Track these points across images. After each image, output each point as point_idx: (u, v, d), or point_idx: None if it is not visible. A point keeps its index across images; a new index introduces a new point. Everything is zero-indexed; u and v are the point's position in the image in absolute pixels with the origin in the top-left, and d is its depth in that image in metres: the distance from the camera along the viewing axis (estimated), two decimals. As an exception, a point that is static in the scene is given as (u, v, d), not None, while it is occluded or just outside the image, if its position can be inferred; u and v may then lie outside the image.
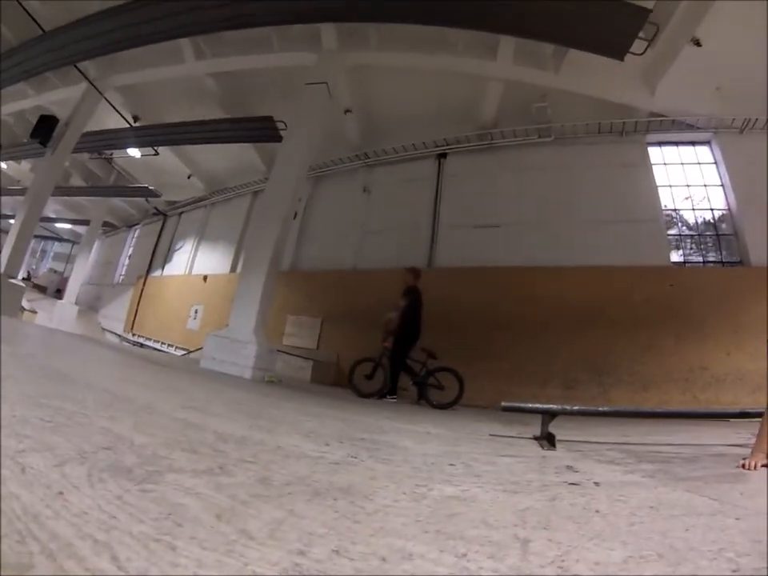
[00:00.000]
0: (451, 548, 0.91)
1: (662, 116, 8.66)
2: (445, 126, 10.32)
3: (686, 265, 8.32)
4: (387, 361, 6.71)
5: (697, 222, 8.59)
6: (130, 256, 20.99)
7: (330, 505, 1.11)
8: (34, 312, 17.22)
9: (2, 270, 9.30)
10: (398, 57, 8.79)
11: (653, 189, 8.73)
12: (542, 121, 9.35)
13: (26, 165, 17.13)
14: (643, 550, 0.97)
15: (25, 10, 8.60)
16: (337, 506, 1.11)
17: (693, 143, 9.01)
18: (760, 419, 2.43)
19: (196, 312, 13.76)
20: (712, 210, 8.53)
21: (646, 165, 8.94)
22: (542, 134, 9.53)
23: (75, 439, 1.28)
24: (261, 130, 10.39)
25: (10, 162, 16.50)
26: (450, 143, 10.43)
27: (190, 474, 1.17)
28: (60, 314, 17.56)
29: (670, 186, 8.89)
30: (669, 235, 8.52)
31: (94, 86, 10.54)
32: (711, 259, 8.26)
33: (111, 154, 15.38)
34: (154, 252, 18.01)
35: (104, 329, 18.49)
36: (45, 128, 10.34)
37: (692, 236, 8.55)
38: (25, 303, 14.38)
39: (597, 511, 1.31)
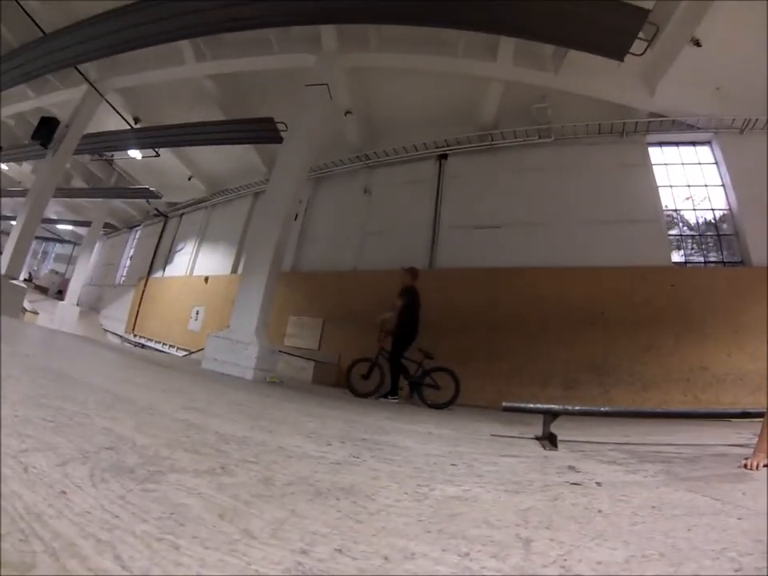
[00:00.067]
0: (453, 548, 0.91)
1: (662, 116, 8.65)
2: (445, 127, 10.32)
3: (687, 265, 8.31)
4: (384, 361, 6.74)
5: (698, 222, 8.58)
6: (131, 257, 21.02)
7: (332, 505, 1.11)
8: (36, 313, 17.26)
9: (4, 272, 9.32)
10: (398, 58, 8.79)
11: (653, 189, 8.72)
12: (542, 121, 9.35)
13: (27, 166, 17.13)
14: (645, 550, 0.97)
15: (25, 11, 8.62)
16: (339, 505, 1.11)
17: (693, 143, 9.00)
18: (761, 419, 2.43)
19: (197, 313, 13.77)
20: (713, 210, 8.52)
21: (646, 165, 8.93)
22: (543, 135, 9.53)
23: (77, 439, 1.28)
24: (261, 132, 10.39)
25: (11, 163, 16.52)
26: (451, 144, 10.43)
27: (192, 474, 1.17)
28: (61, 315, 17.58)
29: (671, 186, 8.88)
30: (670, 235, 8.51)
31: (95, 88, 10.56)
32: (712, 259, 8.24)
33: (112, 156, 15.38)
34: (155, 253, 18.04)
35: (105, 330, 18.51)
36: (46, 130, 10.36)
37: (693, 236, 8.54)
38: (26, 304, 14.42)
39: (599, 511, 1.31)
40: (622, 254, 8.08)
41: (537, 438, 3.01)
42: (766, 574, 0.89)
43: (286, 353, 8.84)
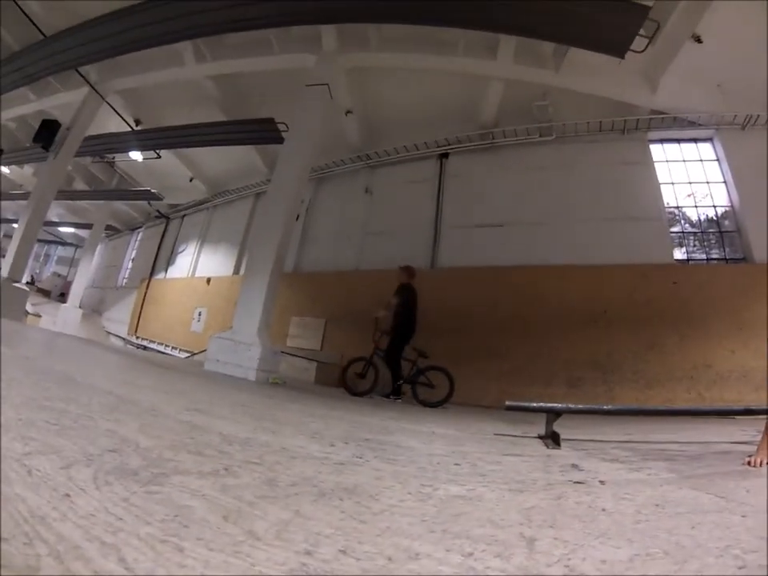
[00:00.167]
0: (457, 547, 0.91)
1: (664, 113, 8.64)
2: (446, 126, 10.32)
3: (690, 262, 8.29)
4: (379, 359, 6.77)
5: (700, 219, 8.57)
6: (133, 259, 21.03)
7: (336, 505, 1.11)
8: (38, 316, 17.30)
9: (6, 275, 9.34)
10: (398, 57, 8.79)
11: (655, 186, 8.71)
12: (543, 120, 9.34)
13: (28, 169, 17.16)
14: (649, 548, 0.97)
15: (25, 14, 8.64)
16: (343, 506, 1.11)
17: (695, 140, 8.98)
18: (765, 416, 2.43)
19: (200, 314, 13.78)
20: (715, 206, 8.51)
21: (647, 162, 8.91)
22: (544, 133, 9.52)
23: (81, 442, 1.28)
24: (262, 132, 10.40)
25: (13, 166, 16.55)
26: (452, 143, 10.42)
27: (195, 476, 1.17)
28: (64, 318, 17.59)
29: (673, 183, 8.86)
30: (672, 233, 8.49)
31: (96, 90, 10.58)
32: (714, 256, 8.23)
33: (113, 158, 15.41)
34: (157, 255, 18.04)
35: (108, 332, 18.53)
36: (47, 132, 10.38)
37: (695, 233, 8.53)
38: (29, 307, 14.45)
39: (602, 509, 1.31)
40: (624, 251, 8.06)
41: (540, 437, 3.01)
42: (770, 571, 0.89)
43: (288, 353, 8.84)
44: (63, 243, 30.00)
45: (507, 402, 3.31)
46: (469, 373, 7.68)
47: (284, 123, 9.41)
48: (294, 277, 11.40)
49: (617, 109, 8.81)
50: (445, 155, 10.63)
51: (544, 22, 6.56)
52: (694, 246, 8.45)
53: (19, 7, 8.49)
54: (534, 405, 3.26)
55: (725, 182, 8.47)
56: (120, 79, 10.82)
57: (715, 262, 8.16)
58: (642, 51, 6.55)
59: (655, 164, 8.93)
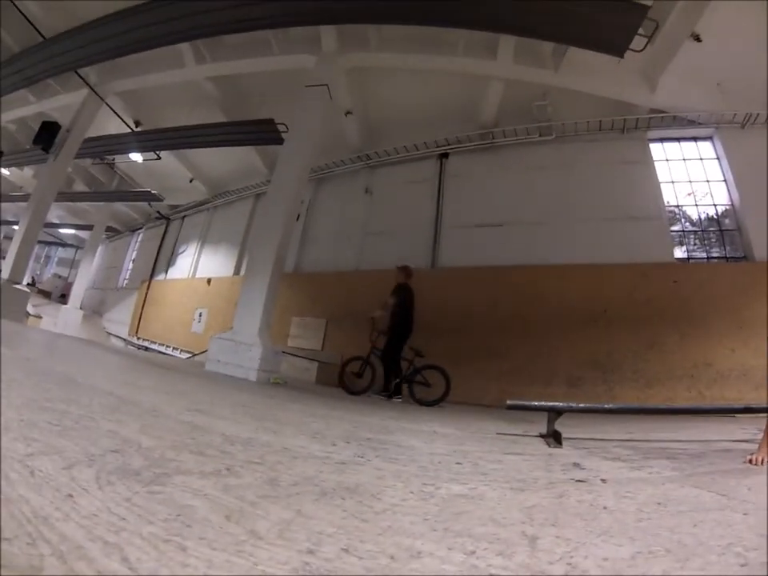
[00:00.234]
0: (459, 546, 0.91)
1: (663, 112, 8.64)
2: (446, 126, 10.33)
3: (690, 261, 8.29)
4: (375, 359, 6.81)
5: (700, 218, 8.57)
6: (133, 260, 21.04)
7: (337, 504, 1.11)
8: (39, 317, 17.31)
9: (7, 276, 9.35)
10: (398, 58, 8.79)
11: (655, 185, 8.71)
12: (543, 119, 9.35)
13: (28, 171, 17.18)
14: (651, 546, 0.97)
15: (25, 17, 8.65)
16: (345, 505, 1.11)
17: (695, 139, 8.99)
18: (765, 414, 2.43)
19: (200, 315, 13.78)
20: (715, 205, 8.51)
21: (647, 161, 8.92)
22: (543, 133, 9.52)
23: (83, 442, 1.28)
24: (262, 133, 10.40)
25: (13, 168, 16.56)
26: (452, 143, 10.43)
27: (197, 476, 1.17)
28: (65, 319, 17.61)
29: (673, 182, 8.86)
30: (672, 231, 8.49)
31: (95, 92, 10.59)
32: (715, 255, 8.23)
33: (113, 159, 15.41)
34: (157, 256, 18.06)
35: (108, 333, 18.54)
36: (47, 134, 10.39)
37: (695, 232, 8.53)
38: (30, 308, 14.45)
39: (604, 508, 1.31)
40: (624, 250, 8.07)
41: (541, 436, 3.01)
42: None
43: (289, 354, 8.85)
44: (64, 245, 30.05)
45: (509, 401, 3.31)
46: (469, 372, 7.70)
47: (284, 124, 9.41)
48: (295, 277, 11.41)
49: (616, 108, 8.82)
50: (445, 155, 10.63)
51: (543, 22, 6.56)
52: (695, 244, 8.45)
53: (18, 9, 8.49)
54: (536, 404, 3.27)
55: (725, 180, 8.48)
56: (119, 81, 10.83)
57: (716, 260, 8.16)
58: (641, 50, 6.55)
59: (655, 163, 8.94)
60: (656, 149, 9.09)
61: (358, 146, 11.49)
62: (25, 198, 14.96)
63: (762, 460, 2.16)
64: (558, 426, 2.93)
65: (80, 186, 17.83)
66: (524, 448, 2.62)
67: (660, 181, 8.78)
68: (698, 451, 2.74)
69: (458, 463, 1.94)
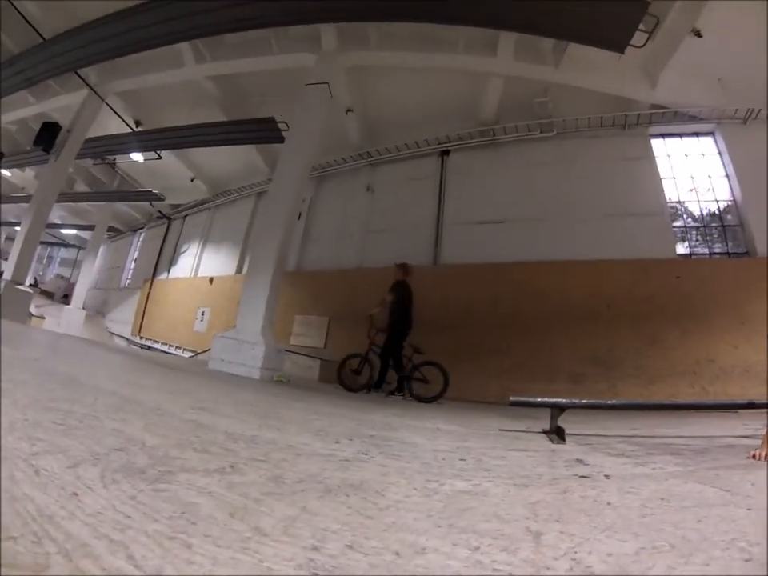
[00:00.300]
0: (464, 542, 0.91)
1: (664, 108, 8.63)
2: (447, 123, 10.33)
3: (692, 257, 8.28)
4: (374, 356, 6.86)
5: (702, 214, 8.55)
6: (135, 260, 21.09)
7: (342, 501, 1.11)
8: (42, 318, 17.36)
9: (10, 277, 9.37)
10: (398, 55, 8.79)
11: (656, 181, 8.70)
12: (544, 116, 9.34)
13: (29, 172, 17.23)
14: (655, 542, 0.97)
15: (24, 18, 8.65)
16: (349, 502, 1.11)
17: (696, 134, 8.97)
18: (769, 410, 2.43)
19: (203, 314, 13.81)
20: (717, 201, 8.50)
21: (649, 157, 8.91)
22: (544, 129, 9.51)
23: (87, 441, 1.29)
24: (263, 132, 10.41)
25: (14, 169, 16.59)
26: (453, 140, 10.44)
27: (202, 474, 1.17)
28: (68, 319, 17.67)
29: (674, 177, 8.85)
30: (674, 227, 8.48)
31: (96, 92, 10.60)
32: (717, 250, 8.21)
33: (114, 159, 15.44)
34: (159, 255, 18.10)
35: (111, 333, 18.58)
36: (48, 135, 10.41)
37: (697, 228, 8.51)
38: (33, 309, 14.47)
39: (608, 503, 1.31)
40: (626, 246, 8.06)
41: (545, 432, 3.01)
42: (776, 563, 0.89)
43: (292, 352, 8.86)
44: (66, 245, 30.10)
45: (512, 398, 3.30)
46: (470, 369, 7.70)
47: (284, 122, 9.42)
48: (297, 275, 11.43)
49: (617, 104, 8.82)
50: (446, 152, 10.64)
51: (544, 18, 6.54)
52: (697, 240, 8.44)
53: (18, 11, 8.50)
54: (539, 400, 3.26)
55: (727, 175, 8.46)
56: (119, 81, 10.85)
57: (718, 256, 8.14)
58: (642, 46, 6.53)
59: (656, 159, 8.92)
60: (657, 144, 9.08)
61: (359, 144, 11.51)
62: (26, 199, 15.00)
63: (766, 455, 2.15)
64: (561, 423, 2.93)
65: (81, 187, 17.87)
66: (527, 444, 2.62)
67: (661, 177, 8.77)
68: (701, 447, 2.74)
69: (461, 460, 1.94)
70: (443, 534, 0.95)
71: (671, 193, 8.72)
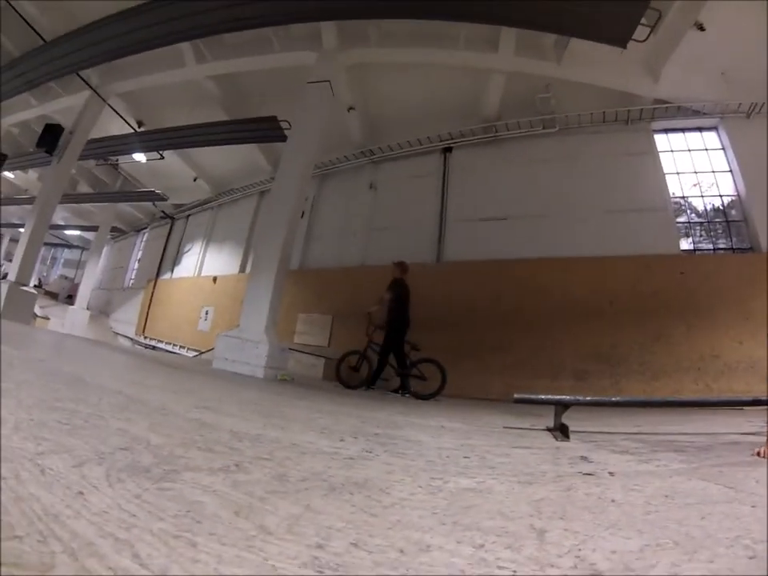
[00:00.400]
0: (468, 539, 0.91)
1: (667, 103, 8.58)
2: (449, 120, 10.31)
3: (696, 252, 8.24)
4: (372, 353, 6.94)
5: (706, 209, 8.51)
6: (139, 260, 21.15)
7: (346, 499, 1.12)
8: (47, 318, 17.45)
9: (14, 278, 9.41)
10: (399, 52, 8.76)
11: (660, 176, 8.65)
12: (546, 112, 9.30)
13: (33, 174, 17.27)
14: (659, 539, 0.97)
15: (25, 20, 8.67)
16: (353, 500, 1.12)
17: (699, 129, 8.91)
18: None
19: (206, 313, 13.84)
20: (721, 196, 8.45)
21: (652, 152, 8.85)
22: (547, 125, 9.48)
23: (92, 441, 1.29)
24: (265, 131, 10.41)
25: (18, 171, 16.64)
26: (455, 137, 10.41)
27: (206, 472, 1.18)
28: (72, 320, 17.74)
29: (678, 173, 8.80)
30: (678, 223, 8.44)
31: (97, 93, 10.62)
32: (721, 246, 8.17)
33: (117, 160, 15.45)
34: (162, 255, 18.13)
35: (115, 332, 18.64)
36: (50, 137, 10.43)
37: (701, 223, 8.47)
38: (37, 310, 14.55)
39: (612, 501, 1.31)
40: (630, 243, 8.03)
41: (548, 430, 3.01)
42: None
43: (296, 350, 8.87)
44: (69, 246, 30.22)
45: (516, 395, 3.30)
46: (473, 366, 7.71)
47: (286, 121, 9.42)
48: (300, 274, 11.43)
49: (620, 99, 8.77)
50: (448, 149, 10.61)
51: (545, 14, 6.51)
52: (701, 236, 8.40)
53: (18, 13, 8.51)
54: (543, 397, 3.26)
55: (731, 170, 8.41)
56: (121, 82, 10.86)
57: (722, 251, 8.11)
58: (644, 40, 6.51)
59: (660, 154, 8.87)
60: (660, 140, 9.03)
61: (361, 142, 11.49)
62: (30, 200, 15.03)
63: (771, 452, 2.15)
64: (565, 420, 2.93)
65: (84, 188, 17.93)
66: (531, 441, 2.62)
67: (665, 172, 8.71)
68: (705, 444, 2.73)
69: (465, 457, 1.94)
70: (447, 531, 0.95)
71: (675, 188, 8.67)
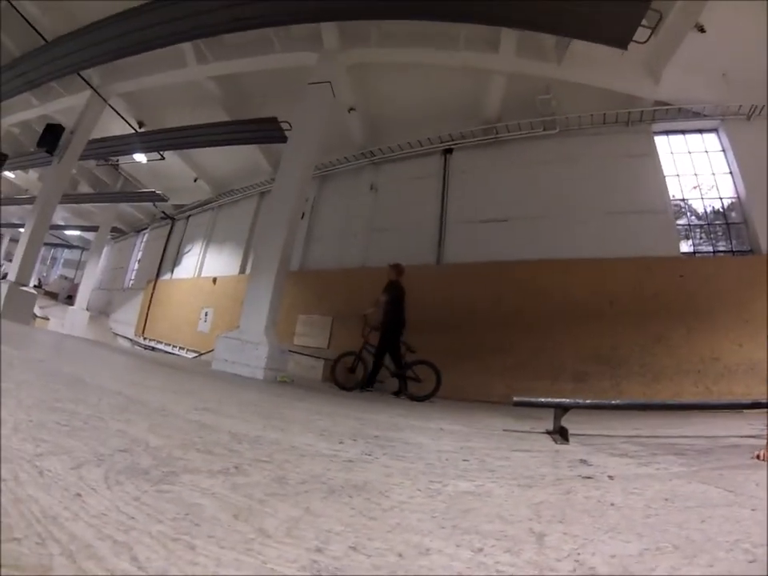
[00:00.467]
0: (467, 543, 0.91)
1: (668, 104, 8.58)
2: (449, 122, 10.30)
3: (696, 255, 8.24)
4: (368, 355, 6.95)
5: (706, 211, 8.50)
6: (139, 260, 21.14)
7: (345, 502, 1.11)
8: (47, 318, 17.44)
9: (14, 278, 9.41)
10: (399, 53, 8.76)
11: (660, 178, 8.65)
12: (547, 113, 9.30)
13: (33, 174, 17.27)
14: (659, 542, 0.97)
15: (26, 20, 8.67)
16: (353, 503, 1.11)
17: (700, 131, 8.91)
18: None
19: (206, 314, 13.82)
20: (721, 198, 8.44)
21: (652, 154, 8.84)
22: (547, 127, 9.47)
23: (91, 442, 1.29)
24: (265, 131, 10.41)
25: (18, 171, 16.65)
26: (456, 138, 10.41)
27: (205, 475, 1.18)
28: (72, 320, 17.73)
29: (678, 175, 8.80)
30: (678, 225, 8.44)
31: (98, 94, 10.62)
32: (721, 248, 8.17)
33: (117, 161, 15.45)
34: (162, 256, 18.12)
35: (115, 333, 18.62)
36: (51, 137, 10.42)
37: (701, 225, 8.46)
38: (37, 310, 14.54)
39: (611, 504, 1.31)
40: (630, 244, 8.02)
41: (548, 433, 3.01)
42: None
43: (295, 352, 8.87)
44: (69, 246, 30.22)
45: (515, 398, 3.30)
46: (473, 368, 7.71)
47: (287, 122, 9.41)
48: (300, 275, 11.43)
49: (620, 101, 8.76)
50: (449, 151, 10.61)
51: (545, 15, 6.51)
52: (701, 238, 8.39)
53: (19, 13, 8.52)
54: (542, 400, 3.26)
55: (731, 172, 8.40)
56: (122, 82, 10.85)
57: (722, 254, 8.10)
58: (645, 42, 6.50)
59: (660, 156, 8.86)
60: (661, 142, 9.02)
61: (362, 143, 11.49)
62: (30, 200, 15.04)
63: (771, 455, 2.15)
64: (564, 423, 2.93)
65: (85, 188, 17.92)
66: (531, 445, 2.62)
67: (665, 174, 8.71)
68: (705, 447, 2.73)
69: (464, 460, 1.94)
70: (447, 535, 0.95)
71: (675, 190, 8.67)
